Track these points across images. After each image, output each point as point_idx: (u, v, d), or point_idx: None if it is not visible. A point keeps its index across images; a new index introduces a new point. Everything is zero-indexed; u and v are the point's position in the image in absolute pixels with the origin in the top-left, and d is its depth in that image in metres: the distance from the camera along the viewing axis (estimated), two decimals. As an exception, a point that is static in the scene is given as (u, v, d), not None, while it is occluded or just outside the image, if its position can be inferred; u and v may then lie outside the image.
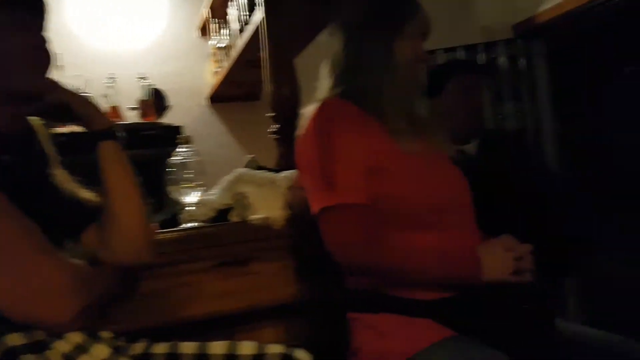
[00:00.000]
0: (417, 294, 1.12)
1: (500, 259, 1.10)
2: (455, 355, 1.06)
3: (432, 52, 2.95)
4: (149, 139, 2.61)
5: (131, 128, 2.67)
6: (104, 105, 2.77)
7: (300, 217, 1.24)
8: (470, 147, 1.87)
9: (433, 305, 1.11)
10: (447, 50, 2.98)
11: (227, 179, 1.34)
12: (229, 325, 1.24)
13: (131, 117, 2.86)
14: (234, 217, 1.30)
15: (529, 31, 3.02)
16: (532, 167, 2.21)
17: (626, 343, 1.17)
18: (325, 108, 1.20)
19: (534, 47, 3.07)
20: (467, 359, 1.05)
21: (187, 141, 1.48)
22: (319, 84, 1.29)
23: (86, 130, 0.98)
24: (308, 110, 1.24)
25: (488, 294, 1.10)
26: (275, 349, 0.95)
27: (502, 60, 3.04)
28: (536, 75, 3.08)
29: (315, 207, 1.14)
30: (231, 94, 2.97)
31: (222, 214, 1.33)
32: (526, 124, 3.04)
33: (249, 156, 1.58)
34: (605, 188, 3.48)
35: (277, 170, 1.43)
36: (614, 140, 3.83)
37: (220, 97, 3.07)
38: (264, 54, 1.57)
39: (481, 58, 3.02)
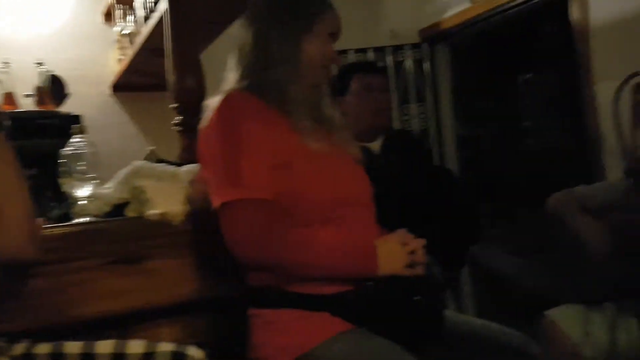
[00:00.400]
0: (315, 288, 1.13)
1: (395, 253, 1.14)
2: (351, 347, 1.09)
3: (344, 51, 3.01)
4: (45, 128, 2.46)
5: (25, 116, 2.50)
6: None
7: (201, 213, 1.21)
8: (375, 145, 1.94)
9: (331, 300, 1.13)
10: (357, 50, 3.05)
11: (124, 172, 1.29)
12: (124, 325, 1.19)
13: (27, 105, 2.68)
14: (130, 212, 1.25)
15: (433, 36, 3.16)
16: (431, 165, 2.32)
17: (509, 334, 1.25)
18: (230, 100, 1.19)
19: (438, 52, 3.22)
20: (363, 350, 1.08)
21: (81, 131, 1.41)
22: (226, 75, 1.27)
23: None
24: (212, 102, 1.21)
25: (383, 287, 1.13)
26: (165, 347, 0.92)
27: (409, 63, 3.16)
28: (439, 78, 3.23)
29: (216, 202, 1.12)
30: (136, 83, 2.86)
31: (118, 209, 1.27)
32: (429, 125, 3.18)
33: (149, 148, 1.52)
34: (502, 187, 3.72)
35: (179, 163, 1.39)
36: (510, 143, 4.10)
37: (124, 86, 2.95)
38: (167, 43, 1.52)
39: (389, 60, 3.12)
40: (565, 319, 1.77)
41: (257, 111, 1.17)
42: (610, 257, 1.72)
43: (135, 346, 0.91)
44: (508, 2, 2.73)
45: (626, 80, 2.22)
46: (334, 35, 1.29)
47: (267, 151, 1.13)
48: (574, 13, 2.51)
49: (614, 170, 2.37)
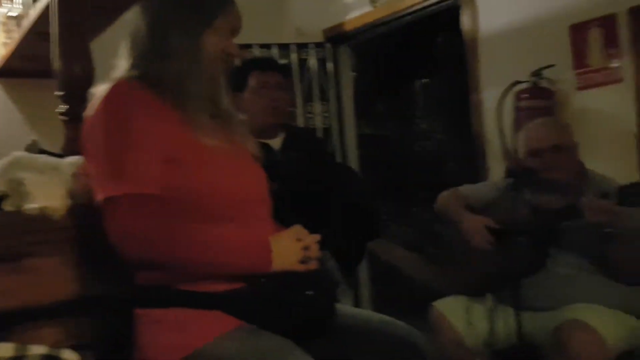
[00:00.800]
0: (206, 286, 1.11)
1: (289, 249, 1.15)
2: (241, 344, 1.08)
3: (248, 46, 2.98)
4: None
5: None
6: None
7: (84, 208, 1.15)
8: (276, 142, 1.94)
9: (222, 297, 1.12)
10: (262, 46, 3.04)
11: (1, 163, 1.19)
12: (-1, 327, 1.11)
13: None
14: (7, 206, 1.16)
15: (337, 37, 3.23)
16: (333, 163, 2.37)
17: (397, 325, 1.30)
18: (119, 89, 1.13)
19: (341, 52, 3.29)
20: (254, 347, 1.08)
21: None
22: (116, 62, 1.22)
23: None
24: (99, 90, 1.15)
25: (276, 283, 1.14)
26: (37, 350, 0.87)
27: (313, 62, 3.20)
28: (342, 78, 3.30)
29: (100, 197, 1.07)
30: (22, 68, 2.66)
31: (-7, 203, 1.18)
32: (332, 124, 3.25)
33: (31, 138, 1.42)
34: (399, 185, 3.88)
35: (62, 155, 1.31)
36: (408, 143, 4.29)
37: (10, 72, 2.73)
38: (54, 28, 1.42)
39: (294, 58, 3.15)
40: (451, 309, 1.89)
41: (147, 102, 1.13)
42: (490, 251, 1.86)
43: (3, 349, 0.84)
44: (406, 8, 2.85)
45: (509, 88, 2.40)
46: (235, 31, 1.27)
47: (156, 145, 1.10)
48: (465, 22, 2.67)
49: (497, 170, 2.56)
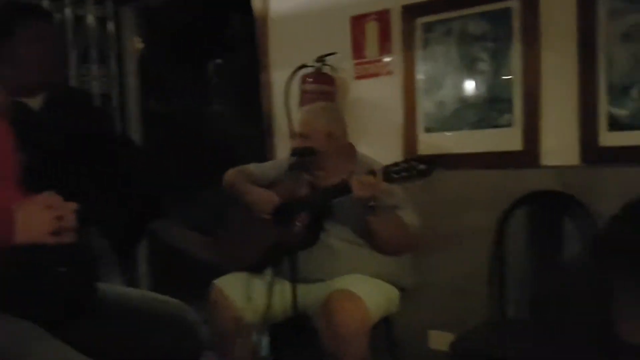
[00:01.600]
0: None
1: (37, 218, 1.00)
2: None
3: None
4: None
5: None
6: None
7: None
8: (36, 102, 1.69)
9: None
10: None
11: None
12: None
13: None
14: None
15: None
16: (107, 132, 2.16)
17: (167, 302, 1.24)
18: None
19: (125, 14, 3.03)
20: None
21: None
22: None
23: None
24: None
25: (19, 257, 0.97)
26: None
27: (90, 19, 2.87)
28: (125, 43, 3.04)
29: None
30: None
31: None
32: (112, 91, 2.97)
33: None
34: (187, 164, 3.77)
35: None
36: (199, 123, 4.19)
37: None
38: None
39: (68, 12, 2.79)
40: (230, 286, 1.89)
41: None
42: (270, 226, 1.89)
43: None
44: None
45: (296, 71, 2.46)
46: None
47: None
48: (256, 3, 2.67)
49: (284, 149, 2.61)
